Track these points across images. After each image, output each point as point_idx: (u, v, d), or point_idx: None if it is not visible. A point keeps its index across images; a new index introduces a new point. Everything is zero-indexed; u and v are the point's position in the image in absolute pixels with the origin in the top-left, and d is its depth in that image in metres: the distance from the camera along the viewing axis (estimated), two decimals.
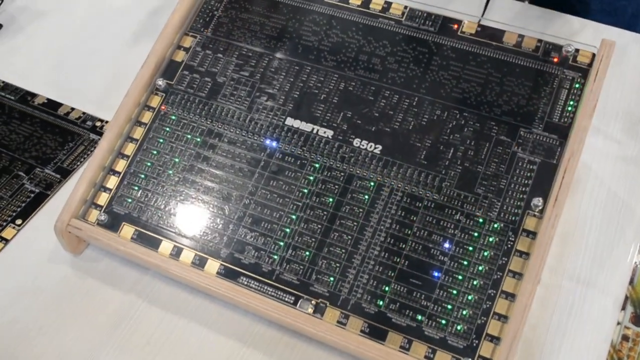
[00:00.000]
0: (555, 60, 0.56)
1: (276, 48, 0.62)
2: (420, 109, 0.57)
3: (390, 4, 0.61)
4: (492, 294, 0.51)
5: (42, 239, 0.61)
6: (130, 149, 0.60)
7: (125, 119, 0.61)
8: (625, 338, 0.54)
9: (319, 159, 0.57)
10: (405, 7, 0.61)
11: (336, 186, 0.56)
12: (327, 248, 0.54)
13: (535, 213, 0.52)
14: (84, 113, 0.72)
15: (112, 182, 0.60)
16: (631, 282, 0.57)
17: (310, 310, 0.52)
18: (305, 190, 0.56)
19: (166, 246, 0.56)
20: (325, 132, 0.58)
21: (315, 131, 0.58)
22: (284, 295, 0.53)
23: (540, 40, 0.57)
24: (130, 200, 0.59)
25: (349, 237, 0.54)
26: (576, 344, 0.53)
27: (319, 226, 0.55)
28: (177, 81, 0.62)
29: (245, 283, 0.54)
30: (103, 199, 0.59)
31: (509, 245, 0.52)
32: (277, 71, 0.61)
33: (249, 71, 0.61)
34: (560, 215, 0.51)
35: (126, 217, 0.58)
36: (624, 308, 0.55)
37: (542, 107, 0.55)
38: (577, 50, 0.56)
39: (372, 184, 0.55)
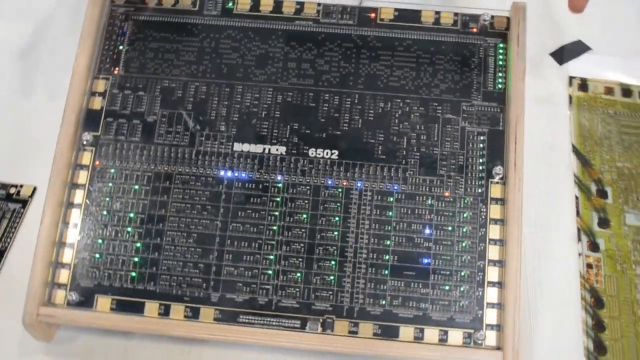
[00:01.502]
0: (474, 30, 0.59)
1: (199, 73, 0.59)
2: (363, 105, 0.58)
3: (302, 4, 0.61)
4: (482, 265, 0.54)
5: (1, 332, 0.56)
6: (75, 215, 0.57)
7: (61, 185, 0.56)
8: (589, 266, 0.60)
9: (279, 178, 0.56)
10: (319, 5, 0.60)
11: (305, 201, 0.56)
12: (316, 264, 0.54)
13: (498, 181, 0.56)
14: None
15: (68, 255, 0.56)
16: (578, 214, 0.63)
17: (320, 329, 0.53)
18: (277, 213, 0.56)
19: (151, 307, 0.54)
20: (277, 150, 0.57)
21: (267, 151, 0.57)
22: (289, 321, 0.54)
23: (456, 14, 0.60)
24: (94, 269, 0.55)
25: (334, 247, 0.55)
26: (552, 284, 0.58)
27: (301, 245, 0.55)
28: (103, 131, 0.58)
29: (247, 321, 0.54)
30: (64, 276, 0.55)
31: (483, 217, 0.55)
32: (208, 97, 0.59)
33: (178, 104, 0.59)
34: (523, 178, 0.55)
35: (97, 289, 0.55)
36: (579, 239, 0.61)
37: (475, 79, 0.58)
38: (492, 17, 0.59)
39: (339, 190, 0.56)
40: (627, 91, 0.70)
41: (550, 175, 0.64)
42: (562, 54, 0.72)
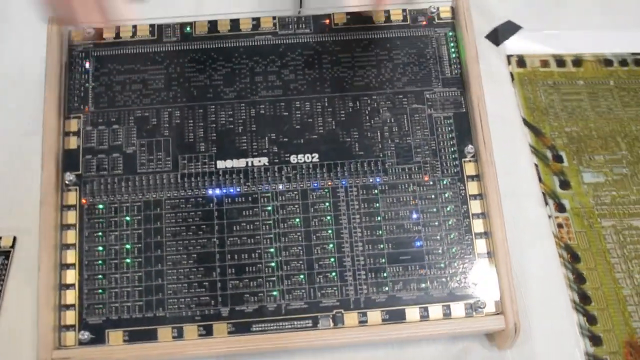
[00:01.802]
0: (424, 23, 0.63)
1: (170, 99, 0.61)
2: (333, 107, 0.61)
3: (257, 19, 0.63)
4: (469, 240, 0.58)
5: None
6: (71, 256, 0.57)
7: (52, 228, 0.56)
8: (560, 226, 0.65)
9: (267, 188, 0.58)
10: (274, 18, 0.63)
11: (296, 206, 0.58)
12: (317, 264, 0.57)
13: (470, 159, 0.60)
14: None
15: (71, 296, 0.56)
16: (540, 180, 0.67)
17: (332, 324, 0.55)
18: (270, 222, 0.58)
19: (164, 332, 0.55)
20: (260, 161, 0.59)
21: (250, 164, 0.59)
22: (301, 322, 0.56)
23: (404, 10, 0.63)
24: (100, 306, 0.56)
25: (331, 245, 0.57)
26: (531, 247, 0.62)
27: (299, 248, 0.57)
28: (84, 169, 0.59)
29: (260, 329, 0.55)
30: (71, 317, 0.55)
31: (462, 194, 0.59)
32: (183, 121, 0.60)
33: (154, 131, 0.60)
34: (493, 153, 0.59)
35: (107, 324, 0.55)
36: (547, 203, 0.66)
37: (433, 68, 0.62)
38: (438, 9, 0.63)
39: (326, 190, 0.58)
40: (560, 62, 0.76)
41: (508, 148, 0.68)
42: (497, 36, 0.77)
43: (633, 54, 0.76)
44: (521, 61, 0.76)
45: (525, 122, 0.72)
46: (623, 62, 0.76)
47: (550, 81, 0.75)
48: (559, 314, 0.60)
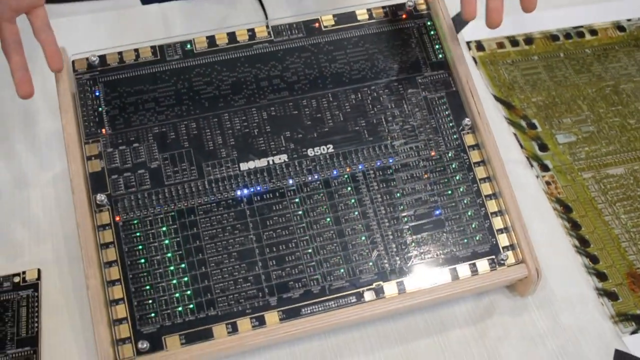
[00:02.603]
0: (404, 16, 0.69)
1: (183, 113, 0.63)
2: (338, 101, 0.65)
3: (253, 30, 0.67)
4: (481, 202, 0.63)
5: None
6: (115, 273, 0.58)
7: (94, 249, 0.58)
8: (548, 183, 0.72)
9: (291, 182, 0.62)
10: (267, 27, 0.67)
11: (321, 194, 0.62)
12: (350, 244, 0.61)
13: (468, 131, 0.65)
14: None
15: (122, 311, 0.57)
16: (521, 146, 0.74)
17: (374, 296, 0.60)
18: (300, 212, 0.61)
19: (219, 329, 0.58)
20: (280, 159, 0.63)
21: (271, 162, 0.63)
22: (346, 299, 0.59)
23: (384, 7, 0.69)
24: (152, 314, 0.57)
25: (360, 225, 0.61)
26: (529, 203, 0.68)
27: (331, 232, 0.61)
28: (112, 189, 0.60)
29: (310, 311, 0.59)
30: (125, 330, 0.57)
31: (467, 163, 0.64)
32: (200, 131, 0.63)
33: (174, 144, 0.62)
34: (489, 122, 0.65)
35: (162, 331, 0.57)
36: (532, 165, 0.73)
37: (419, 55, 0.68)
38: (414, 2, 0.69)
39: (346, 176, 0.63)
40: (514, 42, 0.84)
41: (492, 118, 0.75)
42: (455, 25, 0.84)
43: (574, 27, 0.85)
44: (479, 45, 0.83)
45: (496, 98, 0.79)
46: (567, 36, 0.84)
47: (509, 60, 0.82)
48: (565, 259, 0.66)
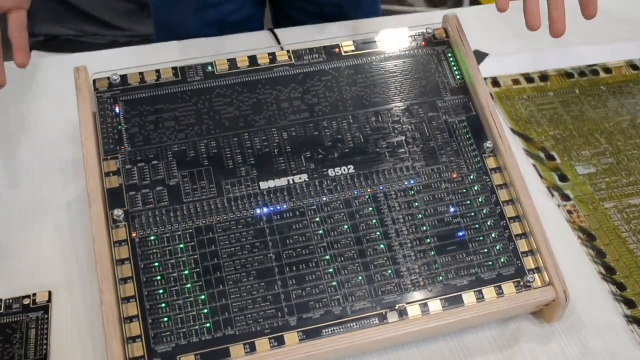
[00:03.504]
0: (423, 44, 0.69)
1: (204, 132, 0.63)
2: (359, 123, 0.65)
3: (274, 54, 0.67)
4: (505, 225, 0.62)
5: None
6: (130, 290, 0.56)
7: (109, 264, 0.56)
8: (570, 212, 0.71)
9: (312, 201, 0.61)
10: (288, 51, 0.67)
11: (342, 214, 0.61)
12: (372, 265, 0.59)
13: (489, 154, 0.65)
14: (0, 300, 0.62)
15: (136, 329, 0.55)
16: (541, 177, 0.74)
17: (398, 317, 0.57)
18: (321, 231, 0.60)
19: (237, 349, 0.55)
20: (300, 178, 0.62)
21: (291, 182, 0.62)
22: (368, 320, 0.57)
23: (403, 35, 0.70)
24: (168, 333, 0.55)
25: (382, 245, 0.60)
26: (551, 231, 0.67)
27: (353, 252, 0.59)
28: (130, 205, 0.59)
29: (331, 332, 0.56)
30: (139, 349, 0.55)
31: (489, 185, 0.64)
32: (220, 151, 0.62)
33: (194, 162, 0.62)
34: (510, 146, 0.64)
35: (177, 350, 0.55)
36: (553, 195, 0.72)
37: (439, 80, 0.68)
38: (433, 31, 0.70)
39: (367, 197, 0.62)
40: (529, 79, 0.84)
41: None
42: None
43: (588, 66, 0.86)
44: (495, 82, 0.84)
45: (514, 131, 0.78)
46: (582, 74, 0.85)
47: (525, 96, 0.82)
48: (591, 286, 0.64)
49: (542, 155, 0.76)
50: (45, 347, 0.60)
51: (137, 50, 0.84)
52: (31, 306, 0.62)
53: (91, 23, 1.48)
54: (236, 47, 0.84)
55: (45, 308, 0.62)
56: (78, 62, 0.64)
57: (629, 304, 0.63)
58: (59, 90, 0.78)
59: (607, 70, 0.86)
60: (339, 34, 0.86)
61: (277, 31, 0.88)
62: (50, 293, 0.63)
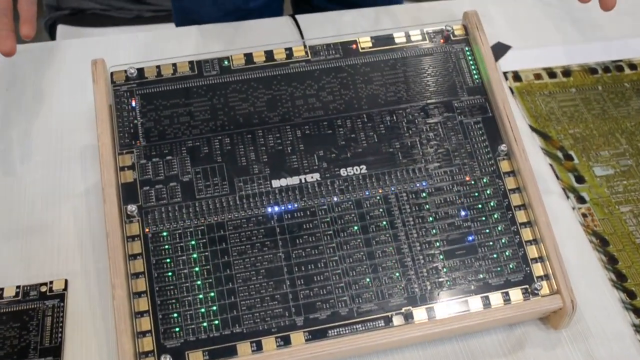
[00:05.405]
0: (442, 41, 0.69)
1: (218, 128, 0.63)
2: (373, 122, 0.65)
3: (290, 49, 0.67)
4: (515, 230, 0.62)
5: None
6: (141, 284, 0.58)
7: (122, 259, 0.57)
8: (584, 215, 0.70)
9: (323, 201, 0.61)
10: (305, 46, 0.67)
11: (352, 215, 0.61)
12: (380, 267, 0.60)
13: (503, 157, 0.64)
14: (18, 287, 0.64)
15: (146, 323, 0.57)
16: (557, 177, 0.73)
17: (403, 321, 0.58)
18: (331, 232, 0.60)
19: (243, 347, 0.56)
20: (312, 177, 0.62)
21: (303, 180, 0.62)
22: (374, 322, 0.58)
23: (421, 31, 0.69)
24: (177, 329, 0.57)
25: (391, 248, 0.60)
26: (563, 235, 0.67)
27: (361, 253, 0.60)
28: (144, 200, 0.60)
29: (336, 333, 0.57)
30: (148, 343, 0.56)
31: (502, 189, 0.63)
32: (233, 147, 0.63)
33: (207, 159, 0.62)
34: (525, 149, 0.64)
35: (186, 346, 0.56)
36: (568, 197, 0.71)
37: (456, 79, 0.67)
38: (452, 28, 0.69)
39: (378, 198, 0.62)
40: (552, 74, 0.83)
41: None
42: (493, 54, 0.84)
43: (613, 61, 0.84)
44: (517, 76, 0.83)
45: (533, 129, 0.77)
46: (606, 69, 0.83)
47: (546, 91, 0.81)
48: (600, 293, 0.64)
49: (560, 154, 0.75)
50: (60, 334, 0.61)
51: (157, 35, 0.84)
52: (47, 294, 0.64)
53: None
54: (256, 33, 0.83)
55: (61, 296, 0.64)
56: (100, 45, 0.64)
57: (638, 312, 0.63)
58: (80, 72, 0.79)
59: (632, 66, 0.84)
60: (358, 21, 0.84)
61: (297, 17, 0.87)
62: (66, 281, 0.64)
